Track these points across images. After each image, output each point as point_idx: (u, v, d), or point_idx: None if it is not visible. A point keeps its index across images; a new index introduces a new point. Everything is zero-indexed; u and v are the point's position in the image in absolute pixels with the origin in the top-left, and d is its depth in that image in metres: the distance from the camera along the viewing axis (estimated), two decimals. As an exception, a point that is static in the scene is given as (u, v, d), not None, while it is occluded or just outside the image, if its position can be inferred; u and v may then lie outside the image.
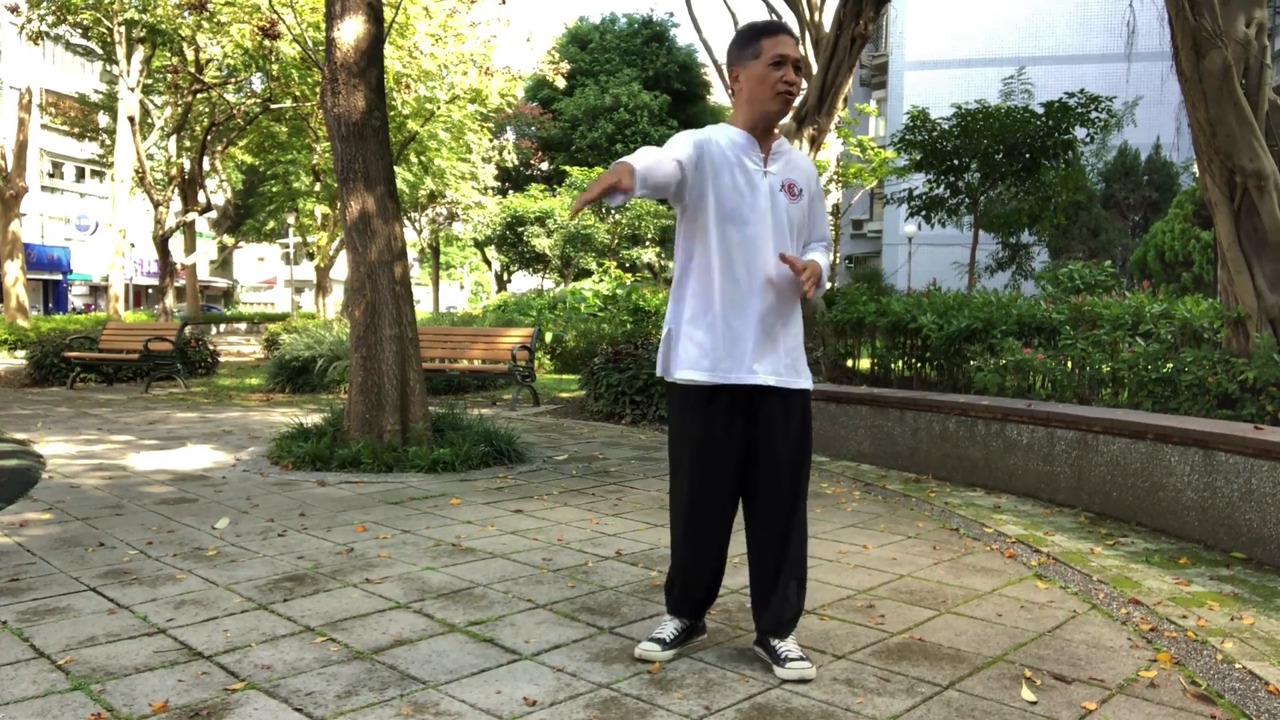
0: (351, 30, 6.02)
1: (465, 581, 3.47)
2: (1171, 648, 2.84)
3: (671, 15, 41.23)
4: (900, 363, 8.68)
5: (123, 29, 18.39)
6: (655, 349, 8.70)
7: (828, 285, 2.73)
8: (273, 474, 5.77)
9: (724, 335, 2.58)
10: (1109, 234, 23.87)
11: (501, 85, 19.62)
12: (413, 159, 22.69)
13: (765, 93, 2.58)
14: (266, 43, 16.54)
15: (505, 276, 36.35)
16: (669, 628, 2.75)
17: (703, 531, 2.68)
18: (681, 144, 2.55)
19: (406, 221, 29.61)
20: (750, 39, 2.63)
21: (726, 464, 2.63)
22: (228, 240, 39.98)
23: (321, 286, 27.94)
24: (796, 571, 2.66)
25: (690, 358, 2.61)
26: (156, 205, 20.07)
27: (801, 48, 11.23)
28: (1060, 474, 5.06)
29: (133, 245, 28.76)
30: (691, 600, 2.76)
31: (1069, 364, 6.70)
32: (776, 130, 2.70)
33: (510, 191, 32.88)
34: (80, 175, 41.18)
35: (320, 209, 26.80)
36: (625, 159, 2.32)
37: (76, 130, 29.42)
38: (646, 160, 2.37)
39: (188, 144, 22.96)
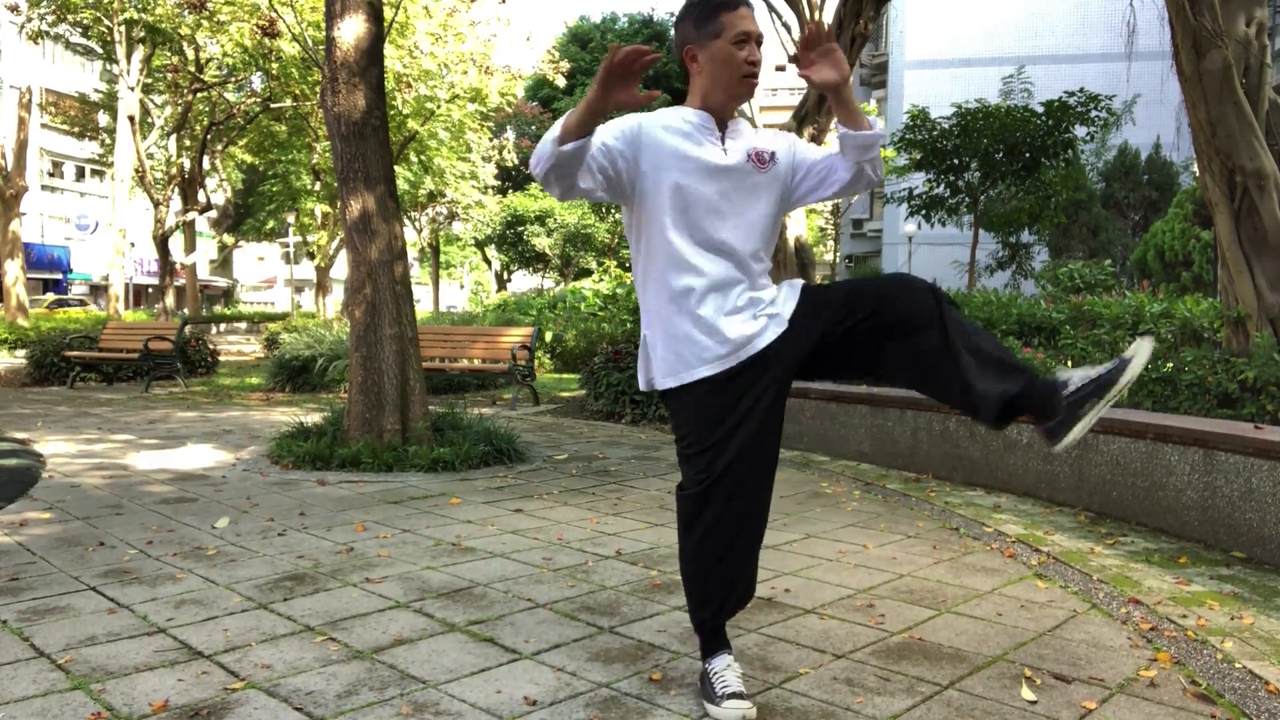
0: (352, 29, 6.02)
1: (465, 581, 3.47)
2: (1171, 647, 2.84)
3: (672, 15, 41.32)
4: (900, 362, 8.68)
5: (123, 28, 18.40)
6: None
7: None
8: (273, 473, 5.77)
9: (722, 318, 2.28)
10: (1109, 233, 23.88)
11: (501, 84, 19.67)
12: (413, 158, 22.72)
13: (730, 75, 2.28)
14: (266, 42, 16.57)
15: (505, 276, 36.37)
16: (731, 676, 2.32)
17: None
18: (606, 131, 2.24)
19: (406, 221, 29.59)
20: (709, 15, 2.29)
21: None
22: (228, 239, 40.00)
23: (321, 286, 27.99)
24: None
25: (697, 354, 2.27)
26: (156, 205, 20.09)
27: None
28: (1060, 473, 5.06)
29: (133, 245, 28.76)
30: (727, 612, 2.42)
31: (1069, 363, 6.71)
32: (737, 114, 2.45)
33: (510, 191, 32.90)
34: (80, 175, 41.19)
35: (320, 208, 26.83)
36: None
37: (76, 130, 29.43)
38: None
39: (188, 143, 22.98)
